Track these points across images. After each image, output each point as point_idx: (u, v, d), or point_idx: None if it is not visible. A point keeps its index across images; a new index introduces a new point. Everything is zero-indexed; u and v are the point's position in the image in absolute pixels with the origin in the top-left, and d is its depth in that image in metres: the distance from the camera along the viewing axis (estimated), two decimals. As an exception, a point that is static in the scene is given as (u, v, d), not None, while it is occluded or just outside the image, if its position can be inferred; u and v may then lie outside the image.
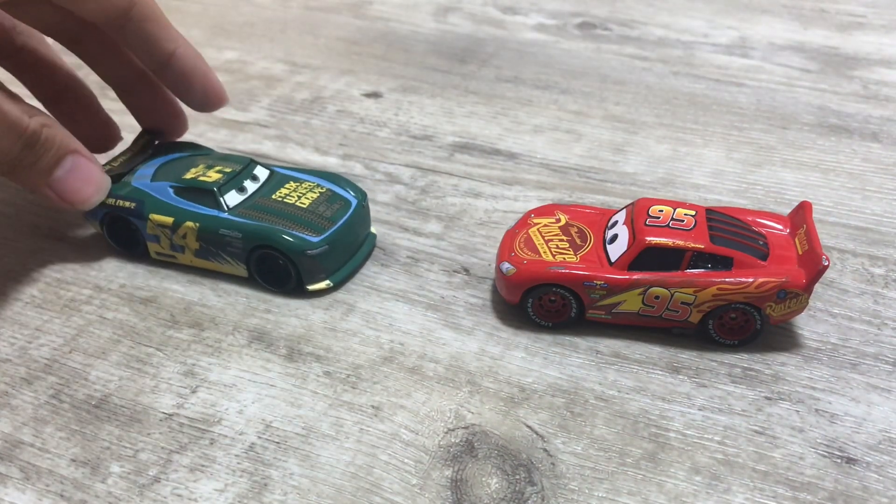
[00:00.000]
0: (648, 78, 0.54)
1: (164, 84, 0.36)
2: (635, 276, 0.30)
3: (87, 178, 0.33)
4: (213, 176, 0.34)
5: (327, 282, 0.34)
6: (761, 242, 0.31)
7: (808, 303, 0.30)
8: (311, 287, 0.34)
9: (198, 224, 0.34)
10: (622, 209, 0.33)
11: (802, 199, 0.33)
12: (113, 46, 0.36)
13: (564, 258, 0.31)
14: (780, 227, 0.33)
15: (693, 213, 0.31)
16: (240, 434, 0.28)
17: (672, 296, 0.30)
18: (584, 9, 0.65)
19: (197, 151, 0.39)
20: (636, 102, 0.50)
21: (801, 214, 0.32)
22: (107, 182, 0.34)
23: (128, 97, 0.38)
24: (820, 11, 0.64)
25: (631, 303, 0.30)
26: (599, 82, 0.53)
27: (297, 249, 0.32)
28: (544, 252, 0.32)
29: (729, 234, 0.31)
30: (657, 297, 0.30)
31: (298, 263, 0.33)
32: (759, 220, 0.33)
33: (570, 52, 0.57)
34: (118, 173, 0.36)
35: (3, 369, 0.31)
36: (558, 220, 0.34)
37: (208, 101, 0.36)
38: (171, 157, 0.38)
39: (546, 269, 0.31)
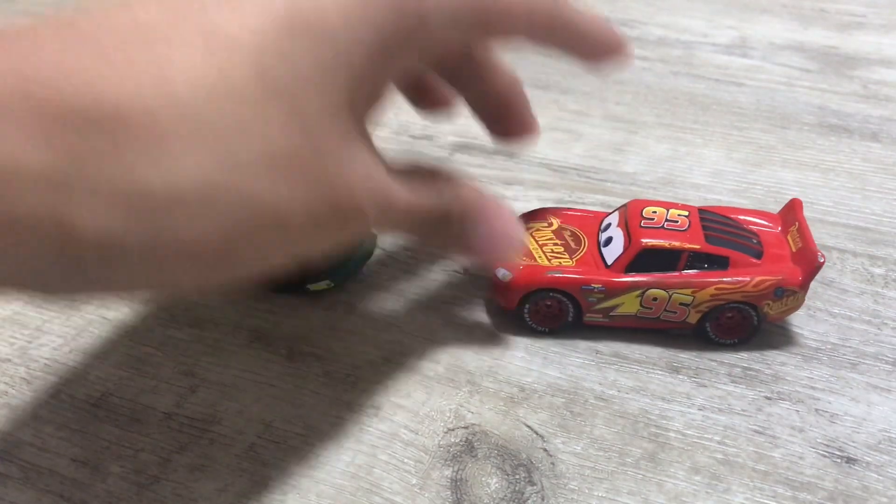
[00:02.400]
0: (648, 78, 0.54)
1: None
2: (632, 279, 0.30)
3: (499, 233, 0.28)
4: None
5: (328, 282, 0.34)
6: (755, 241, 0.31)
7: (804, 300, 0.30)
8: (311, 287, 0.34)
9: None
10: (614, 211, 0.33)
11: (802, 199, 0.33)
12: (480, 72, 0.32)
13: (560, 262, 0.31)
14: (770, 224, 0.33)
15: (686, 213, 0.31)
16: (239, 434, 0.28)
17: (670, 297, 0.30)
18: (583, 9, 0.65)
19: None
20: (636, 102, 0.50)
21: (792, 212, 0.32)
22: (520, 234, 0.28)
23: (485, 116, 0.33)
24: (820, 11, 0.64)
25: (629, 305, 0.30)
26: (599, 82, 0.53)
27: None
28: (539, 257, 0.31)
29: (723, 233, 0.31)
30: (655, 299, 0.30)
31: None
32: (749, 218, 0.33)
33: (570, 51, 0.57)
34: None
35: (3, 369, 0.31)
36: (550, 225, 0.33)
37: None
38: None
39: (543, 273, 0.30)
